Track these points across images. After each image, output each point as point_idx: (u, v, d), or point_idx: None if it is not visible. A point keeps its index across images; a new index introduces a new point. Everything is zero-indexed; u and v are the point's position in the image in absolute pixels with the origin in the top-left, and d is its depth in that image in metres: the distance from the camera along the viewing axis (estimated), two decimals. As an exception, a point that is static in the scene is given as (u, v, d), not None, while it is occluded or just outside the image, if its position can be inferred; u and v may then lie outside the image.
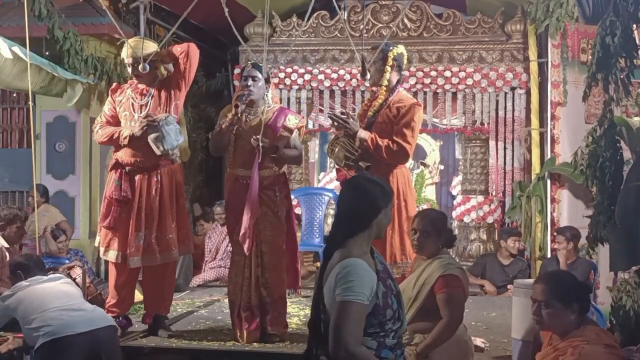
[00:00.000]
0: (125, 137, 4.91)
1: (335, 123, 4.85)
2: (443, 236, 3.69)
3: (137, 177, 4.98)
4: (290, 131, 5.00)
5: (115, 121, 5.09)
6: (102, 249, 5.07)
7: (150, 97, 5.01)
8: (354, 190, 2.72)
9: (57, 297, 4.09)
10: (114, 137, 4.98)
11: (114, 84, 5.30)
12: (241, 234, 4.84)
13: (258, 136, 4.83)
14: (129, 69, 5.06)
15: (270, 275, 4.92)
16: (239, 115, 4.90)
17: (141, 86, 5.04)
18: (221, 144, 5.06)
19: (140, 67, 4.95)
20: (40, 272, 4.34)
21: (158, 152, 4.92)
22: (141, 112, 4.97)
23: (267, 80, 5.05)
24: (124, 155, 4.99)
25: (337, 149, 4.82)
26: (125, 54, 5.03)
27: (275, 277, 4.94)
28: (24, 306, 4.05)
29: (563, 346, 3.12)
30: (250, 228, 4.83)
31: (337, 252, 2.63)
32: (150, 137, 4.88)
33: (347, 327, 2.51)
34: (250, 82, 4.92)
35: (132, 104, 5.01)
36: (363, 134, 4.73)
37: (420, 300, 3.56)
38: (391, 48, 4.84)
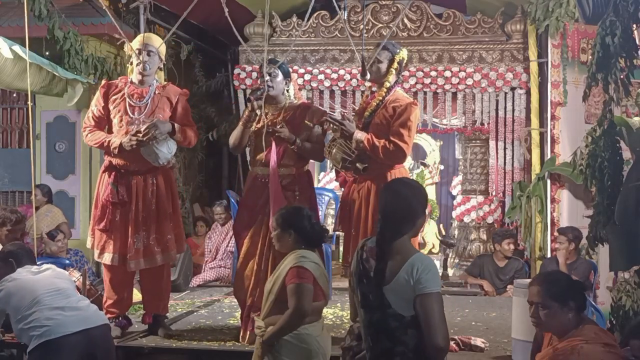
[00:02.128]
0: (115, 147, 4.86)
1: (332, 125, 4.84)
2: (297, 232, 3.71)
3: (132, 179, 4.96)
4: (312, 126, 4.94)
5: (103, 123, 5.02)
6: (96, 252, 5.04)
7: (149, 99, 4.98)
8: (396, 195, 2.90)
9: (49, 291, 4.04)
10: (104, 145, 4.94)
11: (104, 82, 5.20)
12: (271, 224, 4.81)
13: (277, 126, 4.80)
14: (141, 58, 4.94)
15: None
16: (255, 110, 4.87)
17: (140, 87, 5.01)
18: (240, 141, 5.01)
19: (137, 69, 4.94)
20: (30, 261, 4.29)
21: (156, 163, 4.92)
22: (137, 115, 4.93)
23: (287, 76, 5.01)
24: (118, 159, 4.94)
25: (334, 151, 4.80)
26: (139, 42, 4.97)
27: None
28: (16, 299, 4.00)
29: (562, 346, 3.12)
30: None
31: (398, 252, 2.79)
32: (145, 156, 4.87)
33: (442, 315, 2.71)
34: (267, 77, 4.89)
35: (129, 104, 4.96)
36: (359, 135, 4.71)
37: (275, 293, 3.62)
38: (398, 51, 4.83)
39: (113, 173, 4.95)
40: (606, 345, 3.08)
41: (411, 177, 3.25)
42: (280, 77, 4.93)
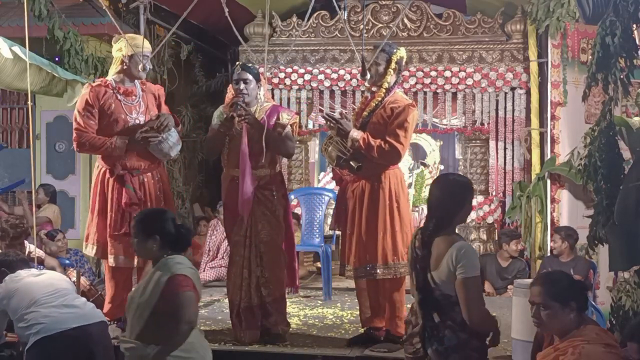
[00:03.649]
0: (123, 148, 4.81)
1: (329, 123, 4.86)
2: (162, 237, 3.42)
3: (143, 178, 4.95)
4: (283, 127, 4.98)
5: (93, 127, 4.88)
6: (111, 258, 4.92)
7: (140, 98, 4.98)
8: (441, 189, 3.29)
9: (47, 292, 4.05)
10: (107, 149, 4.83)
11: (89, 86, 5.04)
12: (240, 202, 4.83)
13: (242, 107, 4.83)
14: (144, 64, 4.93)
15: (270, 274, 4.92)
16: (232, 120, 4.89)
17: (126, 86, 4.97)
18: (215, 146, 5.09)
19: (140, 66, 4.94)
20: (25, 266, 4.29)
21: (165, 159, 4.95)
22: (135, 114, 4.91)
23: (258, 79, 5.03)
24: (128, 160, 4.90)
25: (330, 148, 4.84)
26: (140, 46, 4.95)
27: (274, 276, 4.94)
28: (15, 301, 4.03)
29: (563, 346, 3.12)
30: (249, 200, 4.83)
31: (439, 239, 3.18)
32: (155, 151, 4.90)
33: (478, 297, 3.14)
34: (242, 86, 4.91)
35: (124, 104, 4.91)
36: (355, 133, 4.73)
37: (151, 306, 3.32)
38: (395, 51, 4.83)
39: (123, 175, 4.89)
40: (607, 346, 3.07)
41: (458, 174, 3.53)
42: (253, 83, 4.95)
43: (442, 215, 3.20)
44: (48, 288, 4.09)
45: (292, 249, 5.22)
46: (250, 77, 4.94)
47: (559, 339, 3.17)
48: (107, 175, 4.93)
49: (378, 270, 4.73)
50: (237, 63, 5.11)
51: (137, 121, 4.91)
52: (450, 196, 3.23)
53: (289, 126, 5.02)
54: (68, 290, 4.20)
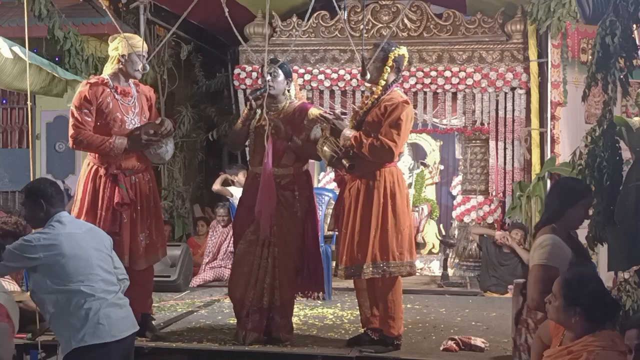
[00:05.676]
0: (121, 148, 4.80)
1: (323, 123, 4.85)
2: None
3: (134, 179, 4.95)
4: (311, 127, 4.95)
5: (90, 125, 4.83)
6: None
7: (136, 99, 4.98)
8: (552, 188, 3.74)
9: (103, 265, 3.53)
10: (105, 148, 4.79)
11: (86, 83, 4.94)
12: (257, 210, 4.78)
13: (271, 118, 4.82)
14: (142, 64, 4.91)
15: (281, 277, 4.87)
16: (254, 109, 4.90)
17: (124, 86, 4.95)
18: (238, 139, 5.11)
19: (140, 66, 4.94)
20: (62, 205, 3.64)
21: (160, 163, 4.98)
22: (131, 115, 4.91)
23: (288, 75, 5.02)
24: (123, 161, 4.88)
25: (324, 148, 4.79)
26: (141, 47, 4.92)
27: (285, 279, 4.89)
28: (73, 264, 3.42)
29: (577, 349, 3.01)
30: (268, 208, 4.78)
31: (540, 231, 3.53)
32: (151, 155, 4.94)
33: (534, 282, 3.39)
34: (268, 78, 4.90)
35: (121, 104, 4.89)
36: (348, 132, 4.71)
37: None
38: (393, 49, 4.78)
39: (117, 175, 4.88)
40: (622, 354, 3.01)
41: (576, 178, 4.25)
42: (281, 77, 4.94)
43: (549, 212, 3.56)
44: (103, 255, 3.62)
45: (317, 252, 5.12)
46: (278, 71, 4.94)
47: (570, 340, 3.12)
48: (100, 173, 4.87)
49: (365, 270, 4.67)
50: (270, 57, 5.11)
51: (133, 122, 4.91)
52: (558, 196, 3.55)
53: (317, 127, 4.95)
54: (109, 257, 3.70)
